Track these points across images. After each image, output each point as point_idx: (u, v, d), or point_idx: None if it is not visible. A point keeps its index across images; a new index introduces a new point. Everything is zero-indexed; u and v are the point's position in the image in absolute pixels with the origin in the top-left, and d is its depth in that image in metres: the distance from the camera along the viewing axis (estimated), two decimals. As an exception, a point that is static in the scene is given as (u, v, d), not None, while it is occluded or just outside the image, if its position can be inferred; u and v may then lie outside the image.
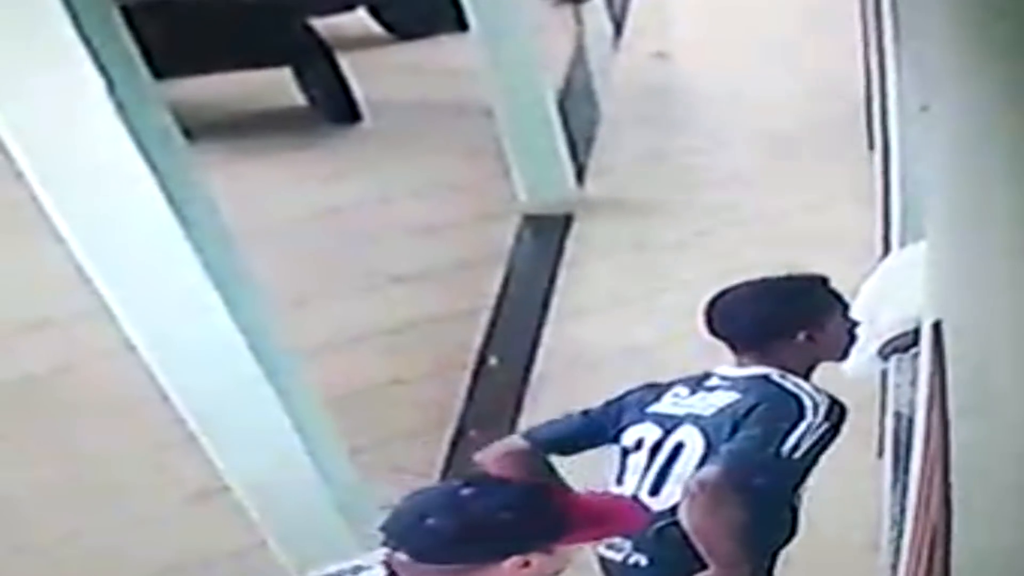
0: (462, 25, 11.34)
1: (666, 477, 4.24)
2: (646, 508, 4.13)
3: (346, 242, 10.55)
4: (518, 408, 8.01)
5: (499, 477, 3.98)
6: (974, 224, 2.66)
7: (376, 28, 16.12)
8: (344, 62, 13.62)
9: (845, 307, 4.50)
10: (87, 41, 5.26)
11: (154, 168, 5.44)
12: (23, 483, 7.83)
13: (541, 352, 8.73)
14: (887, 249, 6.36)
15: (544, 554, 3.38)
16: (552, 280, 9.72)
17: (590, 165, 11.72)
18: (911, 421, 4.38)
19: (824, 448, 4.22)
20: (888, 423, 5.38)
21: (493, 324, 9.22)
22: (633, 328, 8.69)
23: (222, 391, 5.82)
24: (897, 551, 4.30)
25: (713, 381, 4.40)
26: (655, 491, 4.25)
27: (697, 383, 4.42)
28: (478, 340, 8.98)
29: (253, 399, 5.80)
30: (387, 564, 3.46)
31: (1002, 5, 2.40)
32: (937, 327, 3.18)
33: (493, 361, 8.77)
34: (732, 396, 4.31)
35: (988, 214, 2.60)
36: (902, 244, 5.59)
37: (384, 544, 3.48)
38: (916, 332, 4.37)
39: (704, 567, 4.08)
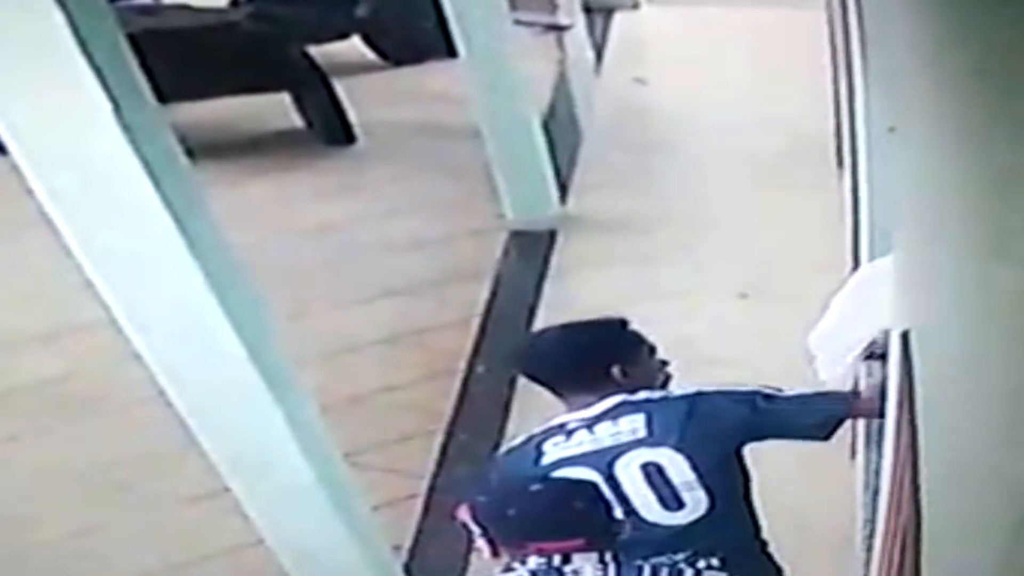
0: (451, 52, 11.34)
1: (677, 491, 4.26)
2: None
3: (341, 257, 10.53)
4: (505, 413, 7.99)
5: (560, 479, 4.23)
6: (940, 238, 2.65)
7: (370, 55, 16.14)
8: (339, 87, 13.63)
9: (651, 347, 4.56)
10: (95, 67, 5.24)
11: (159, 186, 5.42)
12: (32, 481, 7.80)
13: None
14: (856, 263, 6.34)
15: None
16: (537, 292, 9.71)
17: (573, 184, 11.71)
18: (882, 426, 4.36)
19: None
20: (860, 427, 5.36)
21: (481, 334, 9.20)
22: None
23: (223, 397, 5.80)
24: (869, 550, 4.28)
25: (584, 421, 4.39)
26: (675, 506, 4.26)
27: (585, 425, 4.36)
28: (467, 349, 8.96)
29: (252, 404, 5.77)
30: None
31: (965, 30, 2.39)
32: (905, 336, 3.16)
33: (481, 369, 8.75)
34: (637, 419, 4.33)
35: (952, 228, 2.58)
36: (870, 258, 5.57)
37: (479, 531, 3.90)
38: (886, 340, 4.36)
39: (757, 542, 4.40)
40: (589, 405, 4.39)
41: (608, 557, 3.76)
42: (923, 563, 2.96)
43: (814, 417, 4.34)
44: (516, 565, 3.79)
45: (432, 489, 7.38)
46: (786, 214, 10.18)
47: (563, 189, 11.39)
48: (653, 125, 13.74)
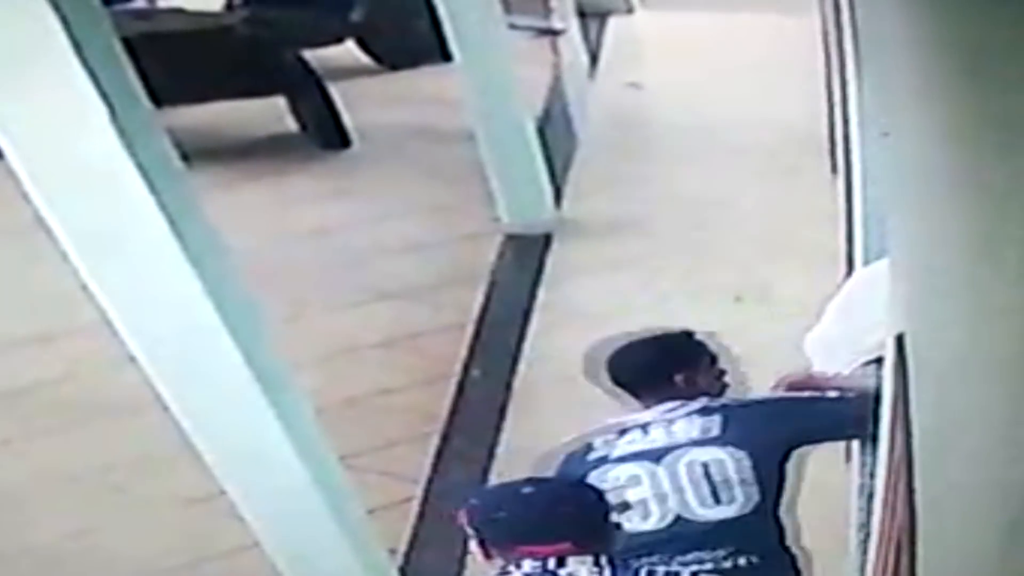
0: (446, 56, 11.34)
1: (726, 486, 4.39)
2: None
3: (337, 260, 10.52)
4: (500, 417, 7.99)
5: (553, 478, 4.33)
6: (933, 241, 2.64)
7: (364, 59, 16.11)
8: (334, 91, 13.61)
9: (712, 356, 4.75)
10: (90, 71, 5.24)
11: (154, 190, 5.41)
12: (29, 484, 7.79)
13: (522, 364, 8.70)
14: (850, 267, 6.34)
15: None
16: (532, 296, 9.70)
17: (568, 188, 11.70)
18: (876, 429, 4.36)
19: None
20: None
21: (476, 338, 9.20)
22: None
23: (218, 400, 5.79)
24: (864, 554, 4.28)
25: (642, 421, 4.53)
26: (720, 501, 4.38)
27: (641, 425, 4.52)
28: (462, 353, 8.95)
29: (248, 407, 5.77)
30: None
31: (958, 33, 2.39)
32: (900, 339, 3.15)
33: (476, 373, 8.74)
34: (699, 421, 4.49)
35: (946, 231, 2.58)
36: (865, 262, 5.57)
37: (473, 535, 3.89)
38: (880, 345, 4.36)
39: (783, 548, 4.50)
40: (649, 408, 4.56)
41: (603, 561, 3.74)
42: (918, 566, 2.95)
43: (861, 415, 4.43)
44: (511, 568, 3.77)
45: (427, 493, 7.38)
46: (781, 218, 10.18)
47: (558, 193, 11.39)
48: (647, 129, 13.74)
